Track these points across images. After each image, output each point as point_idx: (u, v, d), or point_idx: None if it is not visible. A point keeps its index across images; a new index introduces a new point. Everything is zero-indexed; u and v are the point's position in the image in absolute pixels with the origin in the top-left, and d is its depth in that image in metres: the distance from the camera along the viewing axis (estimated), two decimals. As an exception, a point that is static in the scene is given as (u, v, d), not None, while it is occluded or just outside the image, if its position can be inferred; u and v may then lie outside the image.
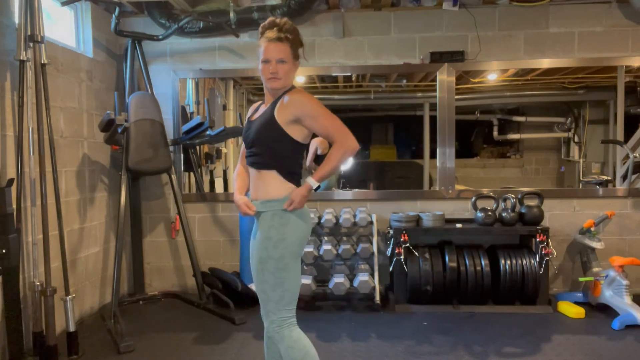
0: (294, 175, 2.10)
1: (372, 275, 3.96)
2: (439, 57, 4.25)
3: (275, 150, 2.05)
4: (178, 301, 4.27)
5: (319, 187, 2.04)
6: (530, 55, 4.27)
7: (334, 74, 4.74)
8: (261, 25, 2.07)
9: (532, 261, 3.79)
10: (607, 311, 3.69)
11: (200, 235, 4.50)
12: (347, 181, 5.13)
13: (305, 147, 2.15)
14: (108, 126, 3.64)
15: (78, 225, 3.77)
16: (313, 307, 4.00)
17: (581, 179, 5.75)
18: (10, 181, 2.85)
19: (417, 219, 4.04)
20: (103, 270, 4.12)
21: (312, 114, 2.00)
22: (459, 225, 4.03)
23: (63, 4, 3.63)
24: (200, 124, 3.94)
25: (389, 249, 3.99)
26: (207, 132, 4.04)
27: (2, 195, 2.75)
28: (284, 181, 2.06)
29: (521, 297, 3.85)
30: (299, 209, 2.04)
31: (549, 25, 4.24)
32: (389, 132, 7.35)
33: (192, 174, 4.65)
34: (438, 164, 4.37)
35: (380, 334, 3.37)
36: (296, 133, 2.04)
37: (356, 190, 4.56)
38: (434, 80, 4.44)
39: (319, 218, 4.13)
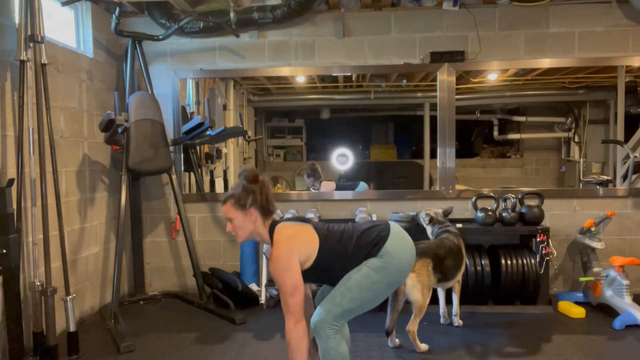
0: None
1: (373, 275, 3.95)
2: (439, 57, 4.25)
3: None
4: (178, 301, 4.27)
5: None
6: (531, 55, 4.27)
7: (334, 74, 4.75)
8: None
9: (533, 261, 3.79)
10: (608, 311, 3.69)
11: (200, 235, 4.50)
12: (348, 181, 5.13)
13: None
14: (108, 126, 3.65)
15: (78, 225, 3.77)
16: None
17: (581, 179, 5.75)
18: (11, 181, 2.85)
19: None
20: (103, 270, 4.12)
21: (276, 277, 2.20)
22: (459, 225, 4.02)
23: (63, 4, 3.63)
24: (200, 124, 3.94)
25: (389, 249, 3.97)
26: (208, 132, 4.04)
27: (3, 195, 2.75)
28: None
29: (521, 297, 3.85)
30: None
31: (549, 25, 4.23)
32: (389, 132, 7.34)
33: (192, 174, 4.65)
34: (438, 164, 4.36)
35: (380, 333, 3.36)
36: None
37: (356, 190, 4.56)
38: (434, 80, 4.44)
39: (319, 219, 4.12)
